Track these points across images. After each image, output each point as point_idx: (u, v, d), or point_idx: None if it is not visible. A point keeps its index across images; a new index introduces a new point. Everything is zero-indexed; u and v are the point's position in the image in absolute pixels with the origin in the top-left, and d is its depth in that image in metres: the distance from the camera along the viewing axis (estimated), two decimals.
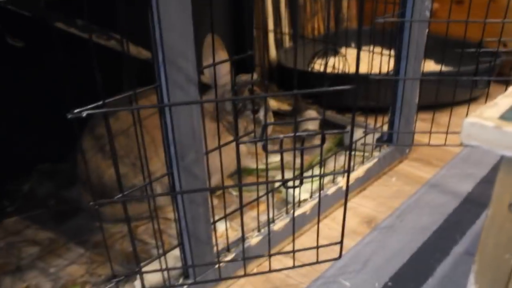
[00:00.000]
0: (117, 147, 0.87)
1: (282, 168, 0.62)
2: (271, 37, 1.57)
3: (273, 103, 1.39)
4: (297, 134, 0.56)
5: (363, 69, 1.28)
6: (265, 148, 0.55)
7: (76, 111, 0.53)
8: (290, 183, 0.64)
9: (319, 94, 0.62)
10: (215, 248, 0.78)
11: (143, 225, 0.97)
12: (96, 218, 0.91)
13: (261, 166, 1.01)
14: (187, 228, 0.70)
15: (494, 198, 0.54)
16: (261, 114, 0.95)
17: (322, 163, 0.83)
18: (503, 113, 0.52)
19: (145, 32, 0.58)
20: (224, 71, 0.94)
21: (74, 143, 0.91)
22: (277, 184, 0.97)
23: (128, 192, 0.61)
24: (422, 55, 1.06)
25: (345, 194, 0.61)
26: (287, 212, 0.90)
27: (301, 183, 0.64)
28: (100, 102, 0.54)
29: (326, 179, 0.99)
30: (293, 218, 0.73)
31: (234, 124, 0.60)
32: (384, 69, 1.12)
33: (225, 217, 0.77)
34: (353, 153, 1.09)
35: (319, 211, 0.75)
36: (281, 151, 0.58)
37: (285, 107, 1.37)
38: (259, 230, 0.86)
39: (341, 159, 1.09)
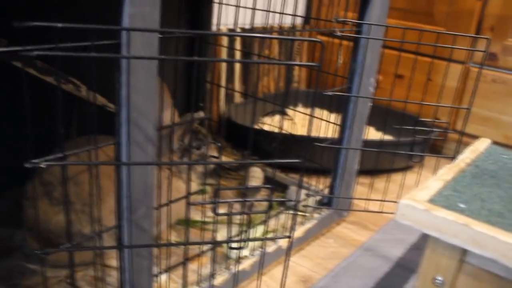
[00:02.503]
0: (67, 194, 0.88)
1: (229, 229, 0.66)
2: (222, 92, 1.62)
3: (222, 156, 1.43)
4: (246, 200, 0.59)
5: (303, 131, 1.37)
6: (214, 212, 0.58)
7: (35, 161, 0.54)
8: (234, 244, 0.67)
9: (269, 154, 0.67)
10: None
11: (82, 271, 0.96)
12: (35, 262, 0.90)
13: (206, 219, 1.04)
14: (130, 279, 0.71)
15: (421, 272, 0.59)
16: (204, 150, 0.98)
17: (266, 224, 0.87)
18: (432, 196, 0.58)
19: (104, 80, 0.60)
20: (167, 115, 0.97)
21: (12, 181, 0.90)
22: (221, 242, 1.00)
23: (76, 243, 0.62)
24: (364, 126, 1.14)
25: (286, 260, 0.64)
26: (227, 268, 0.93)
27: (247, 244, 0.67)
28: (61, 155, 0.56)
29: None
30: (237, 274, 0.76)
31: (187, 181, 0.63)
32: (330, 133, 1.19)
33: (167, 270, 0.79)
34: (295, 213, 1.13)
35: (260, 269, 0.78)
36: (230, 214, 0.61)
37: (231, 160, 1.41)
38: (198, 284, 0.87)
39: (282, 217, 1.13)
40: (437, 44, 1.01)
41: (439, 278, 0.58)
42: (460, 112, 1.70)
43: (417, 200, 0.55)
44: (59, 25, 0.47)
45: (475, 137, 1.66)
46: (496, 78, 1.65)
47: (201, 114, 0.98)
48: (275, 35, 1.74)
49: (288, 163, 0.59)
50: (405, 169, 1.51)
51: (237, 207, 0.97)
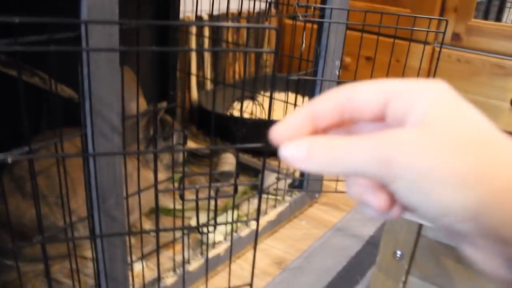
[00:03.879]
0: (38, 187, 0.88)
1: (197, 214, 0.67)
2: (193, 79, 1.63)
3: (191, 144, 1.44)
4: (212, 185, 0.61)
5: (279, 116, 1.39)
6: (182, 198, 0.59)
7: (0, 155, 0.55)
8: (205, 228, 0.69)
9: (238, 139, 0.68)
10: None
11: (59, 264, 0.97)
12: (11, 257, 0.90)
13: (179, 206, 1.06)
14: (105, 269, 0.73)
15: (382, 247, 0.62)
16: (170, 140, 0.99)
17: (234, 209, 0.89)
18: None
19: (71, 71, 0.61)
20: (134, 105, 0.97)
21: None
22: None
23: (48, 235, 0.63)
24: None
25: (255, 241, 0.66)
26: (202, 254, 0.95)
27: (215, 228, 0.69)
28: (27, 149, 0.56)
29: (240, 223, 1.05)
30: (207, 260, 0.78)
31: (154, 171, 0.64)
32: None
33: (142, 258, 0.80)
34: (266, 197, 1.16)
35: (231, 254, 0.80)
36: (196, 200, 0.63)
37: (202, 146, 1.43)
38: (174, 271, 0.89)
39: (255, 202, 1.15)
40: (397, 26, 1.04)
41: (399, 252, 0.60)
42: None
43: None
44: (17, 20, 0.47)
45: None
46: (460, 58, 1.69)
47: (163, 104, 0.98)
48: (238, 22, 1.75)
49: (252, 147, 0.61)
50: None
51: (211, 193, 0.99)
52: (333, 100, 0.32)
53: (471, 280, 0.57)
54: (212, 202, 0.70)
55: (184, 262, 0.84)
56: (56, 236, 0.82)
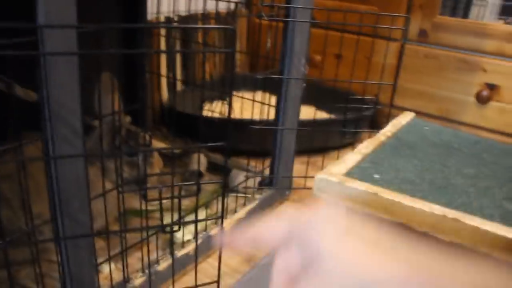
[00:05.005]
0: (1, 191, 0.88)
1: (161, 214, 0.68)
2: (163, 81, 1.63)
3: (162, 144, 1.44)
4: (175, 184, 0.62)
5: (247, 115, 1.40)
6: (145, 198, 0.60)
7: None
8: (170, 228, 0.70)
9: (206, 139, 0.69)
10: None
11: (26, 269, 0.96)
12: None
13: (150, 207, 1.06)
14: (69, 272, 0.73)
15: None
16: (139, 159, 0.98)
17: (197, 208, 0.89)
18: (348, 170, 0.62)
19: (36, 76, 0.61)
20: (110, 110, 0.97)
21: None
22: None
23: (10, 239, 0.63)
24: (298, 106, 1.18)
25: (220, 240, 0.67)
26: (171, 254, 0.95)
27: (179, 228, 0.69)
28: None
29: (209, 221, 1.05)
30: (173, 260, 0.78)
31: (118, 170, 0.65)
32: (269, 115, 1.23)
33: (109, 259, 0.80)
34: (235, 195, 1.16)
35: (196, 252, 0.81)
36: (160, 200, 0.63)
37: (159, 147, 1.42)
38: (143, 271, 0.89)
39: (226, 201, 1.16)
40: (361, 24, 1.06)
41: None
42: (398, 88, 1.76)
43: (332, 173, 0.59)
44: None
45: (412, 111, 1.74)
46: (427, 54, 1.72)
47: (127, 118, 0.97)
48: (207, 23, 1.75)
49: (213, 146, 0.62)
50: (345, 146, 1.57)
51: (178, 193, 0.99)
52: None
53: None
54: (180, 202, 0.71)
55: (149, 263, 0.84)
56: (18, 240, 0.82)
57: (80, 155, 0.62)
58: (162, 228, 0.68)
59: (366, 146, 0.72)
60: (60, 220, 0.69)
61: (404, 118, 0.91)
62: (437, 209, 0.53)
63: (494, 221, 0.52)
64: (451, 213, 0.52)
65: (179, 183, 0.64)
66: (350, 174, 0.61)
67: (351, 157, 0.66)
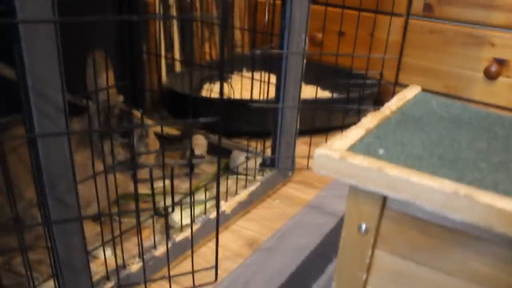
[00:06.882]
0: None
1: (153, 196, 0.64)
2: (162, 62, 1.58)
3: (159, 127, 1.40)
4: (167, 163, 0.58)
5: (247, 95, 1.36)
6: (134, 178, 0.56)
7: None
8: (166, 211, 0.66)
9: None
10: (96, 277, 0.78)
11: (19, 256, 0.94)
12: None
13: (147, 191, 1.02)
14: (58, 258, 0.69)
15: (345, 221, 0.60)
16: (134, 140, 0.94)
17: (192, 192, 0.86)
18: (351, 145, 0.58)
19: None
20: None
21: None
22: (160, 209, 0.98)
23: None
24: (299, 84, 1.13)
25: (216, 222, 0.64)
26: (169, 238, 0.92)
27: (173, 210, 0.66)
28: None
29: (209, 204, 1.01)
30: (167, 244, 0.75)
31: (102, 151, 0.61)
32: (269, 95, 1.18)
33: (103, 245, 0.77)
34: (236, 177, 1.13)
35: (191, 239, 0.78)
36: (151, 180, 0.59)
37: (173, 131, 1.39)
38: (140, 257, 0.86)
39: (225, 183, 1.12)
40: None
41: (364, 226, 0.58)
42: (403, 66, 1.71)
43: (333, 149, 0.55)
44: None
45: None
46: (433, 29, 1.67)
47: (120, 97, 0.92)
48: None
49: (204, 122, 0.58)
50: (348, 125, 1.52)
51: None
52: None
53: (441, 253, 0.55)
54: (173, 182, 0.67)
55: (141, 246, 0.81)
56: (6, 227, 0.79)
57: (64, 132, 0.58)
58: (154, 211, 0.65)
59: (370, 121, 0.67)
60: (48, 203, 0.65)
61: (410, 92, 0.86)
62: (448, 185, 0.48)
63: (511, 197, 0.48)
64: (463, 189, 0.48)
65: (173, 163, 0.60)
66: (352, 149, 0.56)
67: (354, 132, 0.62)
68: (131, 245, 0.94)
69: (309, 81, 1.66)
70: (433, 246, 0.55)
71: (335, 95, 1.45)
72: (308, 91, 1.57)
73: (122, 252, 0.76)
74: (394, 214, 0.57)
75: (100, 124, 0.80)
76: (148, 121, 1.13)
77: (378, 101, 1.76)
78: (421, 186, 0.49)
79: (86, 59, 0.78)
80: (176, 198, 0.74)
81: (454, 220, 0.49)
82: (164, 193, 0.66)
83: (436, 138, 0.64)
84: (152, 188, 0.63)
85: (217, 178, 0.60)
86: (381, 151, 0.58)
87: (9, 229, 0.75)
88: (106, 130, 0.69)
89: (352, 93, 1.43)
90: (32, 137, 0.57)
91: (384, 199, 0.56)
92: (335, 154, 0.53)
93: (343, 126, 1.50)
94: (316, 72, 1.42)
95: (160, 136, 1.31)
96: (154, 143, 0.98)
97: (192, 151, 0.69)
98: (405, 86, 1.51)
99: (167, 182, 1.00)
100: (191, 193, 0.70)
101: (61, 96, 0.59)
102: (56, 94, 0.59)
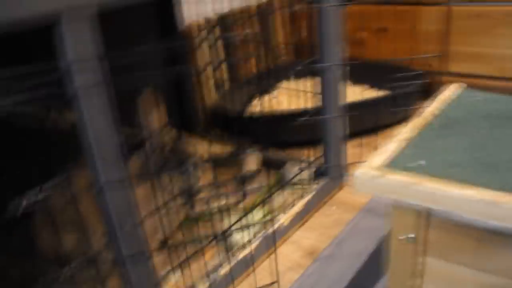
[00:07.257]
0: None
1: (212, 224, 0.69)
2: (210, 82, 1.64)
3: (217, 147, 1.45)
4: (218, 194, 0.62)
5: (295, 105, 1.39)
6: (191, 209, 0.61)
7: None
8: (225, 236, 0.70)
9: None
10: None
11: None
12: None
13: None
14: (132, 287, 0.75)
15: (392, 232, 0.62)
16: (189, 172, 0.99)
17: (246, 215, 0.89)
18: (391, 160, 0.60)
19: None
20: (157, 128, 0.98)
21: None
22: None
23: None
24: (343, 91, 1.15)
25: (273, 239, 0.67)
26: (231, 256, 0.96)
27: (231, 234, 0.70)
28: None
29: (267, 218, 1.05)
30: (230, 265, 0.79)
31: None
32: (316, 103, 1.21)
33: (172, 270, 0.83)
34: (292, 189, 1.16)
35: (251, 257, 0.81)
36: (210, 212, 0.64)
37: (226, 149, 1.43)
38: (207, 277, 0.91)
39: (281, 196, 1.15)
40: None
41: (411, 236, 0.60)
42: (450, 54, 1.68)
43: (372, 167, 0.57)
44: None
45: (469, 75, 1.65)
46: (479, 13, 1.63)
47: (173, 132, 0.97)
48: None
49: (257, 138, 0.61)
50: (398, 121, 1.52)
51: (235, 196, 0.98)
52: None
53: (486, 254, 0.56)
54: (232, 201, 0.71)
55: (206, 267, 0.85)
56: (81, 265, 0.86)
57: (124, 179, 0.64)
58: (215, 237, 0.69)
59: (408, 130, 0.68)
60: (117, 242, 0.71)
61: (451, 91, 0.86)
62: (487, 194, 0.50)
63: None
64: (502, 198, 0.49)
65: (226, 192, 0.64)
66: (393, 163, 0.58)
67: (393, 145, 0.63)
68: (198, 266, 0.99)
69: (354, 81, 1.67)
70: (478, 248, 0.56)
71: (381, 93, 1.45)
72: (353, 92, 1.58)
73: (182, 274, 0.81)
74: (440, 222, 0.58)
75: (155, 158, 0.86)
76: (200, 144, 1.18)
77: (428, 93, 1.74)
78: (459, 197, 0.51)
79: (136, 100, 0.84)
80: (235, 218, 0.79)
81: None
82: (221, 216, 0.70)
83: (480, 140, 0.64)
84: (211, 217, 0.67)
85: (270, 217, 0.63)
86: (421, 162, 0.59)
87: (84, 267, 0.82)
88: (161, 172, 0.74)
89: (399, 89, 1.42)
90: (100, 187, 0.63)
91: (428, 208, 0.58)
92: (373, 172, 0.56)
93: (393, 123, 1.50)
94: (360, 72, 1.42)
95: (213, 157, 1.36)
96: (207, 169, 1.03)
97: (250, 175, 0.73)
98: (455, 74, 1.49)
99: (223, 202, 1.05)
100: (246, 214, 0.74)
101: (117, 147, 0.65)
102: (112, 146, 0.65)
